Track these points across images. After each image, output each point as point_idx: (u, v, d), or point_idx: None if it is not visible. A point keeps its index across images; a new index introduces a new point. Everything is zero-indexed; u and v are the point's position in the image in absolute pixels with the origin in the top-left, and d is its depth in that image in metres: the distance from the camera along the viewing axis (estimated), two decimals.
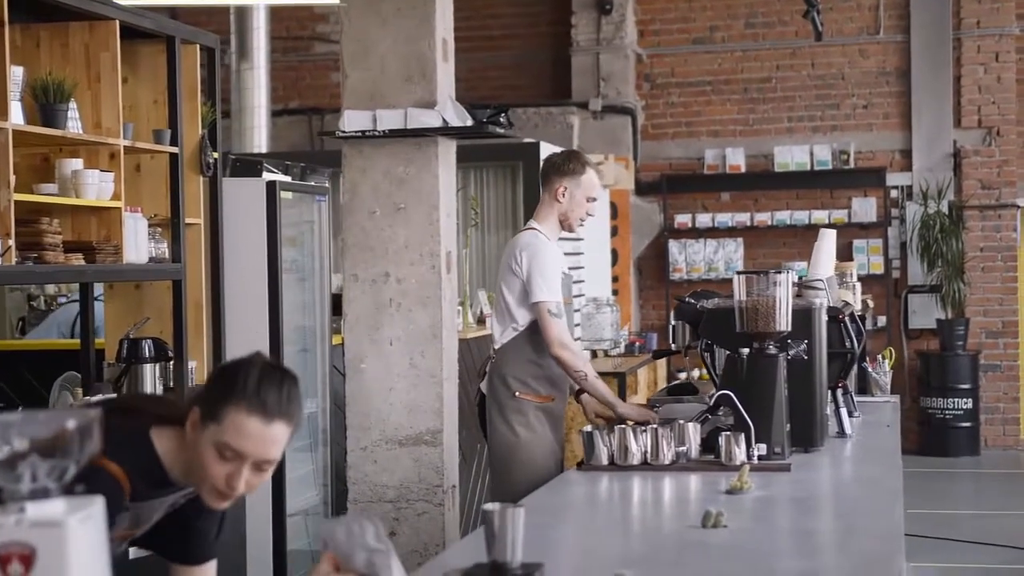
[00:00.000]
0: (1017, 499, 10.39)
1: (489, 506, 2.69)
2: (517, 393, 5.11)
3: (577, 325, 10.01)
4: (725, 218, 12.70)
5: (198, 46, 5.88)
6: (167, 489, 2.66)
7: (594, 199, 5.29)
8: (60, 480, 1.79)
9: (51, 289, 8.27)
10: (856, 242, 12.48)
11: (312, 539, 6.49)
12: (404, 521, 5.41)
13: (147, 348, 5.47)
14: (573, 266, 10.28)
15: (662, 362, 11.22)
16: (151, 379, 5.49)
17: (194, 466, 2.57)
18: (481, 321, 7.93)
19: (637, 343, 10.99)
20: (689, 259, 12.78)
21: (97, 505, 1.81)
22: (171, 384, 5.60)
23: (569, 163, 5.25)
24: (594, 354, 10.40)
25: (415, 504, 5.42)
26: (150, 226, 5.50)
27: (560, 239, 5.31)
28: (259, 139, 9.86)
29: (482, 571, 2.66)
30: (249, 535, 5.78)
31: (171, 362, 5.60)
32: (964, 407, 12.01)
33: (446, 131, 5.52)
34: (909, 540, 7.93)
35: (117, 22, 5.23)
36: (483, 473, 7.29)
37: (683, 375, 11.30)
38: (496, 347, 5.20)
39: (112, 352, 5.64)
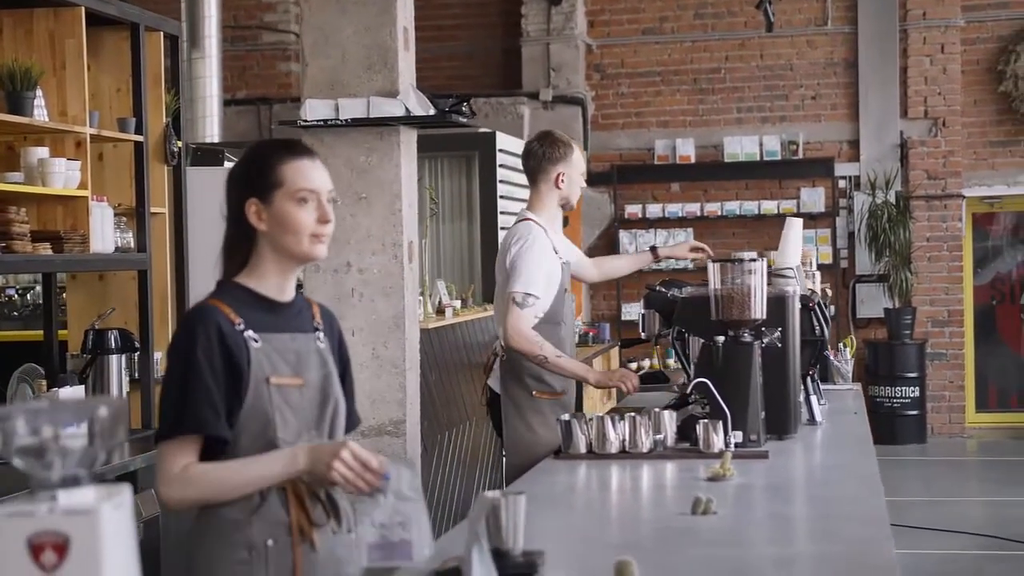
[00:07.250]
0: (963, 485, 10.54)
1: (491, 493, 2.69)
2: (535, 392, 5.08)
3: None
4: (675, 208, 12.75)
5: (162, 34, 5.81)
6: (276, 312, 2.83)
7: (584, 172, 5.33)
8: (91, 467, 1.77)
9: (26, 278, 8.11)
10: (804, 232, 12.50)
11: None
12: None
13: (113, 339, 5.39)
14: None
15: (614, 352, 11.28)
16: (117, 370, 5.41)
17: (282, 244, 2.80)
18: (440, 311, 7.91)
19: (591, 333, 11.03)
20: (640, 249, 12.80)
21: (126, 493, 1.80)
22: (137, 375, 5.54)
23: (559, 148, 5.21)
24: None
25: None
26: (115, 215, 5.43)
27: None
28: (211, 129, 9.74)
29: None
30: None
31: (137, 353, 5.53)
32: (911, 395, 12.15)
33: (408, 120, 5.50)
34: None
35: (83, 8, 5.16)
36: (444, 463, 7.28)
37: (633, 364, 11.35)
38: (505, 345, 5.10)
39: (76, 343, 5.56)
